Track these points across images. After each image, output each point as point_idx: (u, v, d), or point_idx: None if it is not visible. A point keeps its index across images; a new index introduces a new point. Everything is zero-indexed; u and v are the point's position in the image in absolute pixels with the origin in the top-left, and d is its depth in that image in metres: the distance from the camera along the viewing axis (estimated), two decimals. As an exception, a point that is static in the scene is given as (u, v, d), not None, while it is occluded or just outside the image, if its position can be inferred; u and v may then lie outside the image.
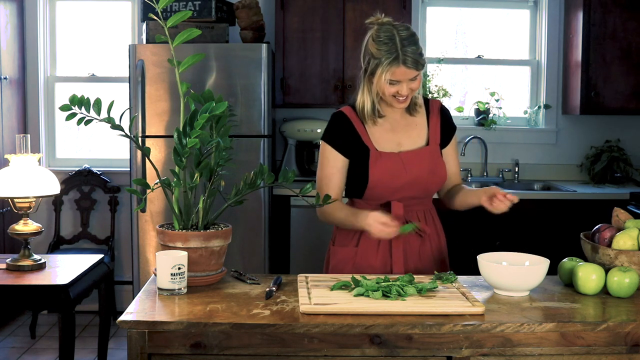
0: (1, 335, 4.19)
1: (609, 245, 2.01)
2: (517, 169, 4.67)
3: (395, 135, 2.28)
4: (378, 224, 2.09)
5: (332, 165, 2.28)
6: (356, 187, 2.29)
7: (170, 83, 3.93)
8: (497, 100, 4.75)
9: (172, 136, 2.97)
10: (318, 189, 2.31)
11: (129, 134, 2.01)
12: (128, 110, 3.50)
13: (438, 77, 4.69)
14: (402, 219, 2.24)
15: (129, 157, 4.04)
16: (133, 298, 2.39)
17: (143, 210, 4.00)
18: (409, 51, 2.11)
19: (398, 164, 2.23)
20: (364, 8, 4.29)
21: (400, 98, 2.18)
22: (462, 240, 4.05)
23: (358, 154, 2.26)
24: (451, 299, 1.83)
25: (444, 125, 2.34)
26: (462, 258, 4.04)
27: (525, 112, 4.83)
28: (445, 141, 2.34)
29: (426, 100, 2.36)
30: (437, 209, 2.42)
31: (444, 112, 2.36)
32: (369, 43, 2.18)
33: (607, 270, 1.95)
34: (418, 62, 2.13)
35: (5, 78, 4.29)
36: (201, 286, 1.96)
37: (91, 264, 2.84)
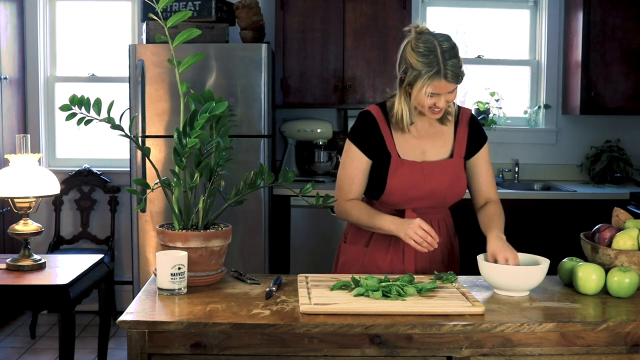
0: (1, 335, 4.19)
1: (609, 245, 2.01)
2: (517, 169, 4.67)
3: (420, 143, 2.25)
4: (421, 230, 2.07)
5: (356, 167, 2.26)
6: (374, 189, 2.27)
7: (170, 83, 3.93)
8: (497, 100, 4.75)
9: (172, 136, 2.97)
10: (338, 187, 2.29)
11: (129, 134, 2.01)
12: (128, 110, 3.50)
13: (438, 77, 4.69)
14: None
15: (129, 157, 4.04)
16: (133, 298, 2.39)
17: (143, 210, 4.00)
18: (450, 64, 2.07)
19: (418, 174, 2.21)
20: (364, 8, 4.29)
21: (436, 109, 2.15)
22: (462, 240, 4.04)
23: (380, 157, 2.24)
24: (451, 299, 1.83)
25: (472, 137, 2.30)
26: (462, 258, 4.04)
27: (525, 112, 4.83)
28: (471, 152, 2.30)
29: (458, 108, 2.33)
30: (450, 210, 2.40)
31: (473, 123, 2.32)
32: (407, 52, 2.12)
33: (607, 270, 1.95)
34: (459, 75, 2.10)
35: (5, 78, 4.29)
36: (201, 286, 1.96)
37: (91, 264, 2.84)
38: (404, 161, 2.22)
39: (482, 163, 2.32)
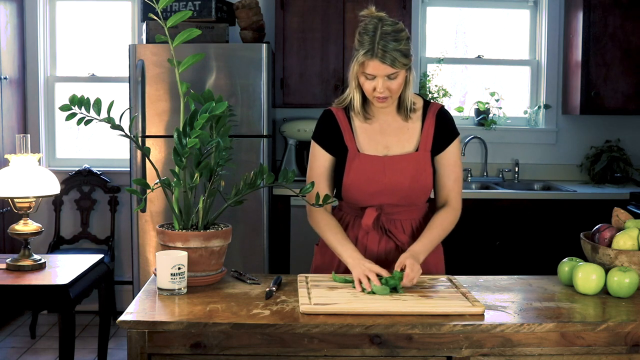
0: (1, 335, 4.19)
1: (609, 245, 2.01)
2: (517, 169, 4.67)
3: (384, 138, 2.18)
4: (372, 275, 1.92)
5: (320, 164, 2.22)
6: (338, 188, 2.23)
7: (170, 83, 3.93)
8: (497, 100, 4.75)
9: (172, 136, 2.97)
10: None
11: (129, 134, 2.01)
12: (128, 110, 3.50)
13: (438, 77, 4.69)
14: (370, 228, 2.17)
15: (129, 157, 4.03)
16: (133, 298, 2.39)
17: (143, 210, 4.00)
18: (385, 46, 2.00)
19: (378, 168, 2.15)
20: (363, 8, 4.27)
21: (380, 97, 2.07)
22: (461, 239, 4.05)
23: (341, 153, 2.20)
24: (451, 299, 1.83)
25: (440, 131, 2.20)
26: (462, 258, 4.04)
27: (525, 112, 4.83)
28: (439, 147, 2.20)
29: (427, 104, 2.24)
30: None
31: (442, 116, 2.21)
32: (356, 36, 2.10)
33: (607, 270, 1.95)
34: (395, 59, 2.00)
35: (5, 78, 4.29)
36: (201, 286, 1.96)
37: (91, 264, 2.84)
38: (361, 155, 2.16)
39: (448, 162, 2.21)
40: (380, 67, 2.02)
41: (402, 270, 1.95)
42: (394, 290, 1.89)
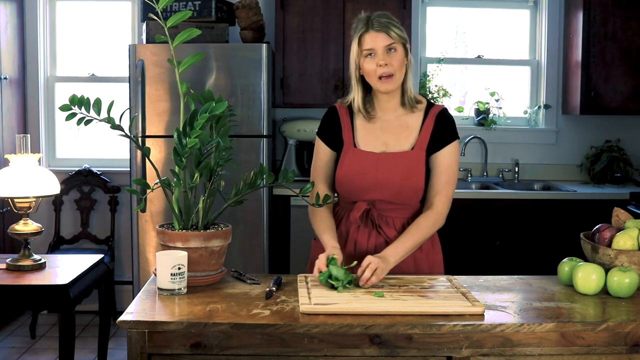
0: (1, 335, 4.19)
1: (609, 245, 2.02)
2: (517, 169, 4.67)
3: (383, 135, 2.22)
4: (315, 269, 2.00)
5: (320, 158, 2.28)
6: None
7: (170, 83, 3.93)
8: (497, 100, 4.75)
9: (172, 136, 2.97)
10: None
11: (129, 134, 2.01)
12: (128, 110, 3.50)
13: (438, 77, 4.69)
14: (358, 221, 2.20)
15: (129, 157, 4.04)
16: (133, 298, 2.39)
17: (143, 210, 4.00)
18: (379, 20, 2.11)
19: (371, 163, 2.18)
20: (364, 8, 4.26)
21: (383, 75, 2.11)
22: (461, 240, 4.05)
23: (340, 148, 2.25)
24: (451, 299, 1.83)
25: (438, 130, 2.20)
26: (462, 258, 4.04)
27: (525, 112, 4.83)
28: (435, 147, 2.20)
29: (431, 105, 2.26)
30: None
31: (442, 118, 2.22)
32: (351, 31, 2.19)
33: (607, 270, 1.95)
34: (388, 26, 2.09)
35: (5, 78, 4.29)
36: (201, 286, 1.96)
37: (91, 264, 2.84)
38: (356, 150, 2.21)
39: (441, 163, 2.19)
40: (377, 37, 2.10)
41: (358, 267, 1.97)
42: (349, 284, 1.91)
